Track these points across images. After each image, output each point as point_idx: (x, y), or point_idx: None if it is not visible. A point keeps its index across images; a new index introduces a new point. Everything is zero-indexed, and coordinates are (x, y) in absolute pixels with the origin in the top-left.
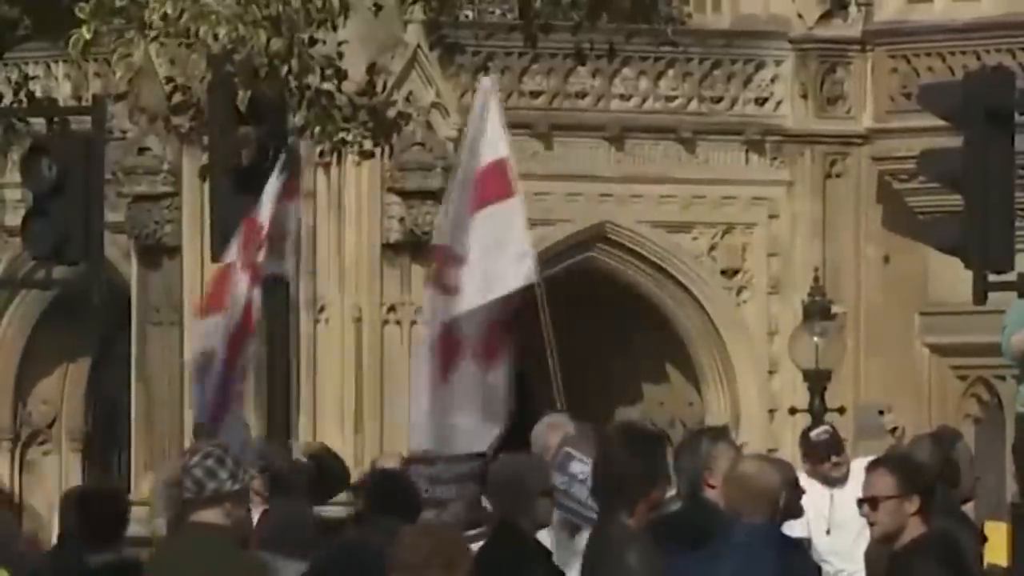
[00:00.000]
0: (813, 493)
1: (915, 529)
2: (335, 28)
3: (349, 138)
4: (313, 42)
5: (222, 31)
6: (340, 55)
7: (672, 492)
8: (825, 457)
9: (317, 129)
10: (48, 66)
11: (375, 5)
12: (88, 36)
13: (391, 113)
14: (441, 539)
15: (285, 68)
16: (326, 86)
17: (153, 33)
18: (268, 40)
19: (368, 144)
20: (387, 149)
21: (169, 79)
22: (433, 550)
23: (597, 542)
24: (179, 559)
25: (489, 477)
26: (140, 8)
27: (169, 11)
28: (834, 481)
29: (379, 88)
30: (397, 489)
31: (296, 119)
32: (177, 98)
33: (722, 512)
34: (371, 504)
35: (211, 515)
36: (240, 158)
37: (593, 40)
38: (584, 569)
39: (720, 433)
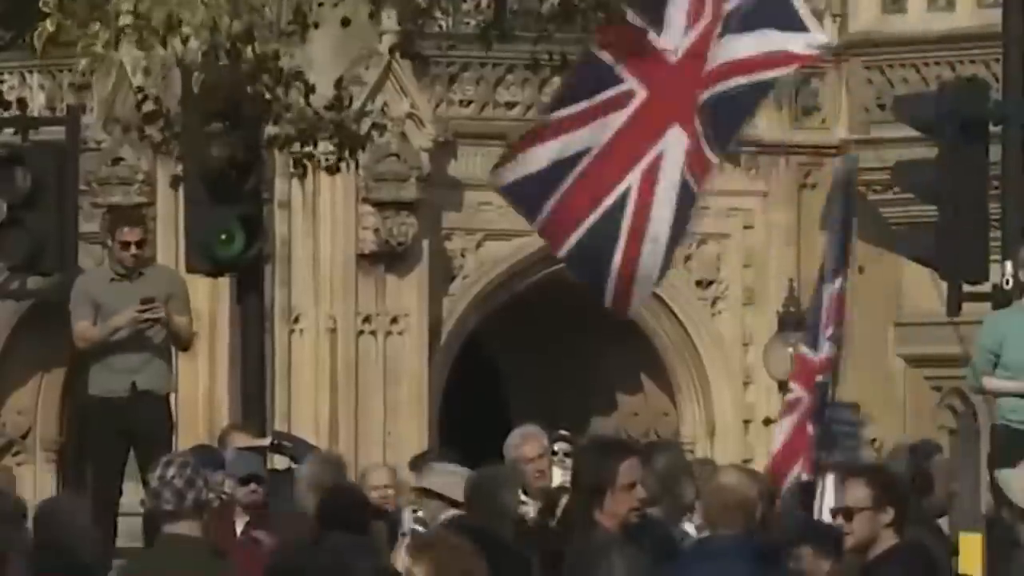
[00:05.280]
0: None
1: (887, 540)
2: (311, 28)
3: (316, 152)
4: (289, 36)
5: (187, 18)
6: (310, 63)
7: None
8: None
9: (285, 140)
10: (23, 76)
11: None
12: (52, 29)
13: (362, 128)
14: (463, 554)
15: (248, 66)
16: (292, 96)
17: (119, 24)
18: (231, 22)
19: (332, 159)
20: (355, 163)
21: (139, 88)
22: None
23: (578, 548)
24: (156, 572)
25: (467, 487)
26: (106, 1)
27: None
28: None
29: (347, 102)
30: (348, 505)
31: (266, 130)
32: (148, 107)
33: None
34: (323, 520)
35: (186, 527)
36: (215, 158)
37: (551, 51)
38: (566, 574)
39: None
